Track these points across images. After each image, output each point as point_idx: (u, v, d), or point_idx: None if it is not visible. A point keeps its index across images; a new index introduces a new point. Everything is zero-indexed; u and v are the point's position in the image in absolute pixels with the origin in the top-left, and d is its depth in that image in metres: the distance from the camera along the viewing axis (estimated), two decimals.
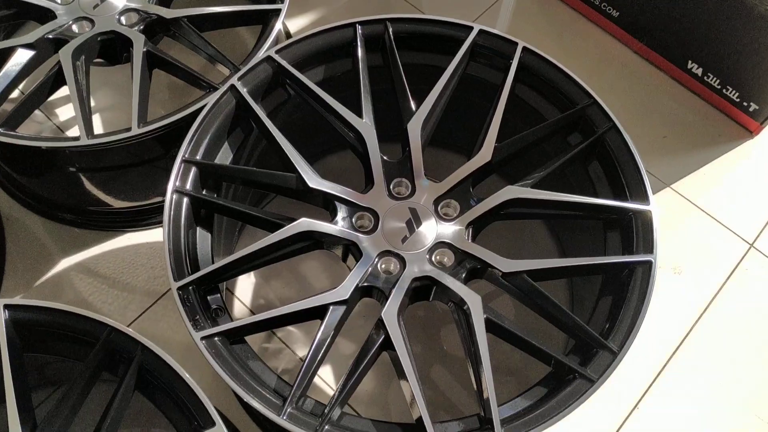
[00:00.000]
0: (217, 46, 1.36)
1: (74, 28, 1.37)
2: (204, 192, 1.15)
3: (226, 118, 1.17)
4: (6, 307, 0.96)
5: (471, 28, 1.25)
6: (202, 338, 0.99)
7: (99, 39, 1.35)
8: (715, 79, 1.63)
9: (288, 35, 1.68)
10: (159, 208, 1.50)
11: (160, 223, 1.42)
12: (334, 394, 0.99)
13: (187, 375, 0.93)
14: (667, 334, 1.41)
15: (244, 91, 1.18)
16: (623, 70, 1.73)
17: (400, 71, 1.22)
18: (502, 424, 0.96)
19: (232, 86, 1.18)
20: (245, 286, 1.43)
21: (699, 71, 1.64)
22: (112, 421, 0.91)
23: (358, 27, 1.24)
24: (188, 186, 1.12)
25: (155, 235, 1.51)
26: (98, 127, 1.61)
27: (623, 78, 1.72)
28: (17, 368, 0.93)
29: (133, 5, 1.39)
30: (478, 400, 1.01)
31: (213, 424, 0.90)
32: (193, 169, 1.13)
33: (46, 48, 1.34)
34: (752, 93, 1.58)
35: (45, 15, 1.38)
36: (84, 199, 1.50)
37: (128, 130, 1.22)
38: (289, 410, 0.96)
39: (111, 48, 1.37)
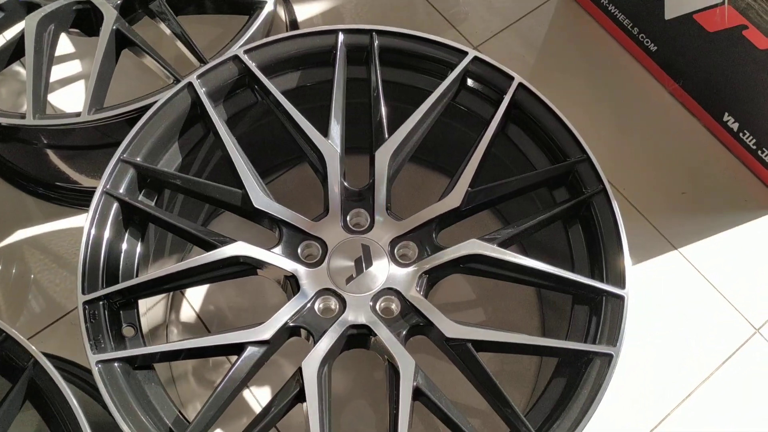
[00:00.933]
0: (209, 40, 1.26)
1: None
2: (140, 197, 1.05)
3: (178, 119, 1.07)
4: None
5: (465, 54, 1.12)
6: (98, 362, 0.91)
7: (74, 8, 1.26)
8: (751, 137, 1.43)
9: (294, 24, 1.56)
10: None
11: None
12: None
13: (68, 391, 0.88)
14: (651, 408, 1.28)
15: (201, 90, 1.07)
16: (653, 110, 1.54)
17: (379, 90, 1.10)
18: None
19: (190, 84, 1.07)
20: (197, 288, 1.33)
21: (735, 126, 1.45)
22: None
23: (341, 35, 1.11)
24: (122, 189, 1.02)
25: None
26: (64, 103, 1.52)
27: (652, 118, 1.54)
28: None
29: None
30: None
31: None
32: (131, 171, 1.03)
33: (16, 11, 1.26)
34: None
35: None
36: (51, 174, 1.41)
37: (78, 114, 1.14)
38: None
39: (87, 19, 1.27)
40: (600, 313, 0.98)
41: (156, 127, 1.05)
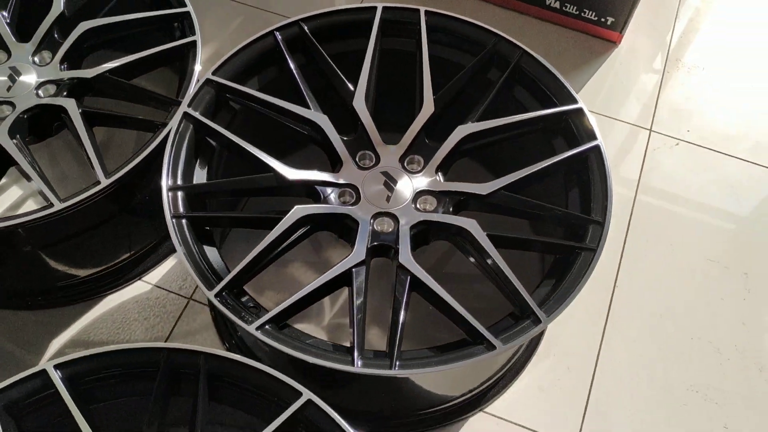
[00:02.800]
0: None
1: None
2: (194, 212, 1.17)
3: (189, 144, 1.20)
4: (56, 367, 0.95)
5: (375, 8, 1.32)
6: (257, 328, 1.03)
7: (25, 117, 1.30)
8: (572, 6, 1.82)
9: None
10: (133, 262, 1.50)
11: (137, 277, 1.47)
12: (392, 342, 1.04)
13: (254, 362, 0.96)
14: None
15: (197, 114, 1.21)
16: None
17: (327, 61, 1.28)
18: (540, 307, 1.05)
19: (186, 113, 1.20)
20: None
21: (557, 4, 1.84)
22: None
23: (277, 33, 1.29)
24: (181, 209, 1.14)
25: (137, 288, 1.50)
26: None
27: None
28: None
29: (44, 78, 1.34)
30: (511, 301, 1.10)
31: (300, 394, 0.93)
32: (180, 194, 1.16)
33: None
34: (606, 9, 1.79)
35: None
36: (51, 277, 1.46)
37: (97, 183, 1.20)
38: (360, 361, 1.01)
39: (38, 123, 1.33)
40: (572, 129, 1.22)
41: (178, 155, 1.19)
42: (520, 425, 1.36)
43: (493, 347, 1.02)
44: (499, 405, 1.37)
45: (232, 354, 0.98)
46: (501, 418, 1.36)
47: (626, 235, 1.59)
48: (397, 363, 1.02)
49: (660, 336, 1.49)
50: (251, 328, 1.03)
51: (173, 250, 1.63)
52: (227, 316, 1.04)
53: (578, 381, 1.42)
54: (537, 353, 1.44)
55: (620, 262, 1.56)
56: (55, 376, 0.96)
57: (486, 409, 1.36)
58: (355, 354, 1.02)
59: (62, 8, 1.41)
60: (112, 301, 1.48)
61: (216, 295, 1.05)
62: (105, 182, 1.21)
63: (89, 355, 0.98)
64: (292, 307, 1.07)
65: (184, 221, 1.13)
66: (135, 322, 1.46)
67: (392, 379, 1.13)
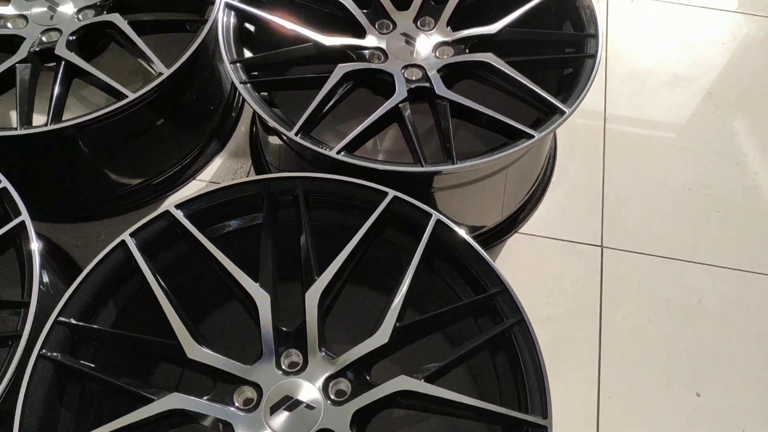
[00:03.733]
0: None
1: (44, 39, 1.42)
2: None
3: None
4: (177, 207, 1.12)
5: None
6: (337, 152, 1.20)
7: (74, 38, 1.43)
8: None
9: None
10: (185, 165, 1.61)
11: (191, 177, 1.62)
12: (447, 150, 1.22)
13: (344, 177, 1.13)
14: None
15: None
16: None
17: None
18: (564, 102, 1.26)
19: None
20: None
21: None
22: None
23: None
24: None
25: (192, 188, 1.60)
26: None
27: None
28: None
29: (82, 4, 1.48)
30: (537, 108, 1.32)
31: (386, 193, 1.11)
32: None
33: (36, 59, 1.40)
34: None
35: (11, 42, 1.41)
36: (113, 186, 1.54)
37: (160, 75, 1.33)
38: (425, 162, 1.20)
39: (85, 44, 1.45)
40: None
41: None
42: (549, 237, 1.60)
43: (531, 136, 1.22)
44: (529, 225, 1.60)
45: (323, 174, 1.15)
46: (533, 235, 1.61)
47: None
48: (456, 161, 1.20)
49: (654, 148, 1.74)
50: (332, 153, 1.18)
51: (219, 150, 1.65)
52: (310, 148, 1.19)
53: (591, 195, 1.66)
54: (552, 182, 1.62)
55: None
56: (179, 214, 1.11)
57: (520, 231, 1.59)
58: (420, 159, 1.20)
59: None
60: (172, 201, 1.57)
61: (296, 133, 1.21)
62: (167, 72, 1.33)
63: (203, 194, 1.13)
64: (358, 137, 1.23)
65: (249, 85, 1.29)
66: None
67: (443, 201, 1.31)
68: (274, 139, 1.50)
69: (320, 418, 1.01)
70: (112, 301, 1.11)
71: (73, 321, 1.04)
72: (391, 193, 1.12)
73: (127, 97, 1.30)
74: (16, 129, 1.27)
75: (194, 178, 1.63)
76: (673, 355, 1.44)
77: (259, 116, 1.25)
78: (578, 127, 1.76)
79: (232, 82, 1.66)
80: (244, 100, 1.73)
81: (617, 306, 1.49)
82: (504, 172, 1.38)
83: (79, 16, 1.46)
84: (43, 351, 1.01)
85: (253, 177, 1.15)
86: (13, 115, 1.46)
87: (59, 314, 1.03)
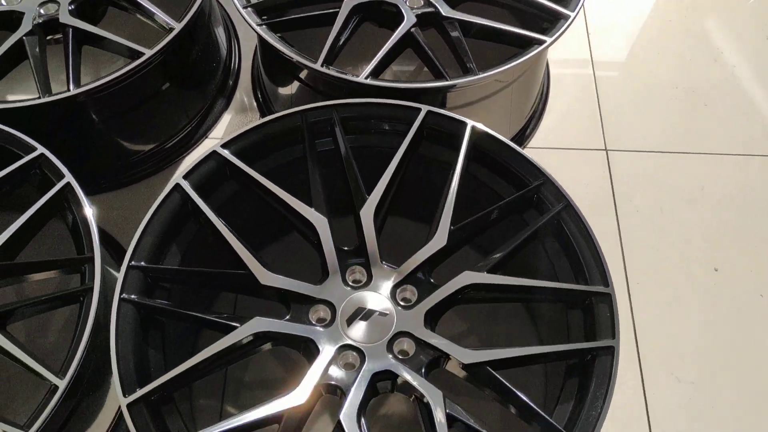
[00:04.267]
0: None
1: (42, 11, 1.40)
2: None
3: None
4: (223, 146, 1.13)
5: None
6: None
7: (73, 6, 1.41)
8: None
9: None
10: (195, 126, 1.61)
11: (203, 137, 1.63)
12: None
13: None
14: None
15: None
16: None
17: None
18: None
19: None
20: None
21: None
22: None
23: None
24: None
25: (206, 146, 1.59)
26: None
27: None
28: None
29: None
30: None
31: (419, 109, 1.15)
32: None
33: (41, 31, 1.39)
34: None
35: (11, 18, 1.40)
36: (126, 153, 1.53)
37: (171, 30, 1.33)
38: None
39: (85, 12, 1.43)
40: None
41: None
42: (556, 148, 1.65)
43: (543, 41, 1.26)
44: (535, 140, 1.65)
45: (353, 99, 1.17)
46: (541, 148, 1.65)
47: None
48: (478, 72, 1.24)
49: (638, 54, 1.81)
50: (360, 78, 1.18)
51: (225, 107, 1.66)
52: (337, 76, 1.21)
53: (588, 104, 1.71)
54: (550, 97, 1.71)
55: None
56: (225, 153, 1.13)
57: (528, 146, 1.65)
58: (444, 74, 1.21)
59: None
60: (188, 163, 1.44)
61: (321, 65, 1.18)
62: (179, 26, 1.34)
63: (245, 131, 1.15)
64: (379, 63, 1.22)
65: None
66: None
67: None
68: (284, 84, 1.52)
69: (395, 323, 1.06)
70: (175, 244, 1.13)
71: (143, 264, 1.06)
72: (424, 108, 1.16)
73: (144, 54, 1.31)
74: (39, 98, 1.26)
75: (206, 137, 1.63)
76: (687, 237, 1.53)
77: (283, 53, 1.27)
78: (564, 39, 1.81)
79: (228, 40, 1.69)
80: (240, 58, 1.74)
81: (630, 201, 1.57)
82: (511, 87, 1.44)
83: None
84: (124, 295, 1.03)
85: (291, 109, 1.18)
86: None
87: (131, 259, 1.05)
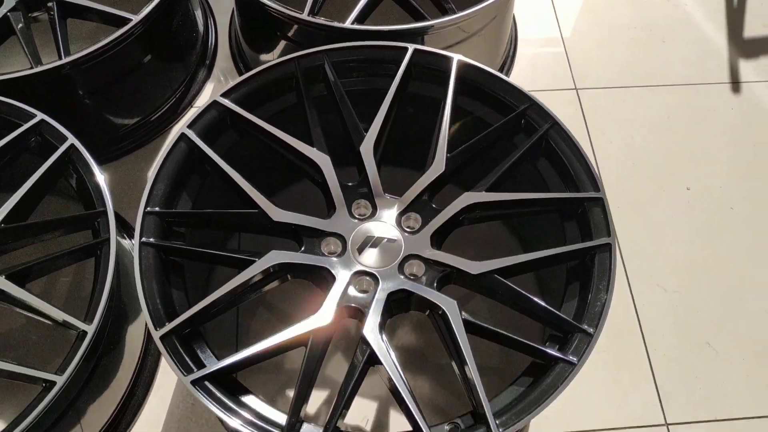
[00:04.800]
0: None
1: None
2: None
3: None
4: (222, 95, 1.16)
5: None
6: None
7: None
8: None
9: None
10: (180, 96, 1.64)
11: (189, 106, 1.65)
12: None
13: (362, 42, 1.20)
14: None
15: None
16: None
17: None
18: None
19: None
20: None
21: None
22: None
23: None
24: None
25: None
26: None
27: None
28: None
29: None
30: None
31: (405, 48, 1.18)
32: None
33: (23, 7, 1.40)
34: None
35: None
36: (114, 127, 1.55)
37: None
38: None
39: None
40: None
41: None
42: (530, 90, 1.53)
43: None
44: None
45: (342, 44, 1.20)
46: None
47: None
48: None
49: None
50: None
51: (208, 76, 1.69)
52: (324, 24, 1.22)
53: (555, 49, 1.82)
54: (518, 46, 1.80)
55: None
56: (226, 102, 1.16)
57: None
58: (424, 15, 1.22)
59: None
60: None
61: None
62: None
63: (242, 80, 1.18)
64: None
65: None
66: None
67: None
68: (266, 45, 1.56)
69: (403, 247, 1.10)
70: (185, 192, 1.15)
71: (158, 209, 1.09)
72: (411, 46, 1.20)
73: (131, 20, 1.33)
74: (31, 68, 1.28)
75: (192, 106, 1.66)
76: (659, 162, 1.62)
77: (268, 6, 1.30)
78: None
79: (204, 14, 1.71)
80: (217, 30, 1.77)
81: (602, 133, 1.65)
82: (484, 31, 1.49)
83: None
84: (143, 239, 1.06)
85: (285, 57, 1.21)
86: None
87: (146, 206, 1.08)
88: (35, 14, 1.42)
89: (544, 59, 1.79)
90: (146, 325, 1.32)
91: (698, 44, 1.82)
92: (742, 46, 1.82)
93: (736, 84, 1.75)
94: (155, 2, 1.35)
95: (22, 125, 1.18)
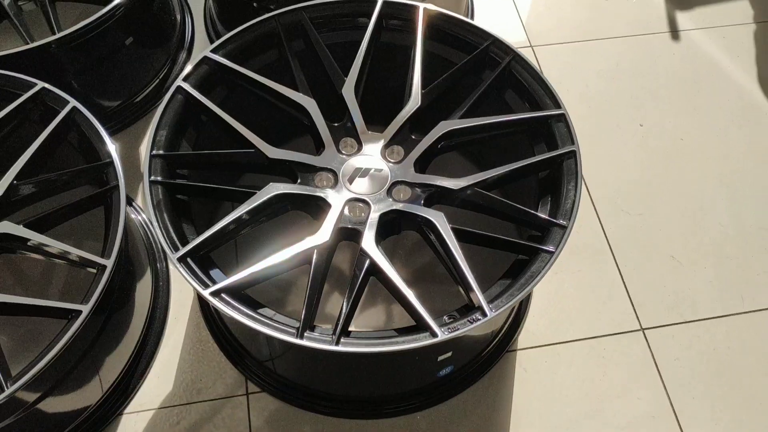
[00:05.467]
0: None
1: None
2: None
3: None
4: (212, 51, 1.22)
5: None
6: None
7: None
8: None
9: None
10: (163, 78, 1.72)
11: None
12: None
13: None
14: None
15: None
16: None
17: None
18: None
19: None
20: None
21: None
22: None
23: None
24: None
25: None
26: None
27: None
28: None
29: None
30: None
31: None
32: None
33: None
34: None
35: None
36: (100, 108, 1.60)
37: None
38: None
39: None
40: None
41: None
42: None
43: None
44: None
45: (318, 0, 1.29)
46: None
47: None
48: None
49: None
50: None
51: (188, 58, 1.78)
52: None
53: (507, 8, 1.67)
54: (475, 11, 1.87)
55: None
56: (215, 57, 1.24)
57: None
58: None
59: None
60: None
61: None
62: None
63: (230, 36, 1.27)
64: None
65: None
66: None
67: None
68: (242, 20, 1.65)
69: (389, 175, 1.20)
70: (184, 140, 1.23)
71: (162, 152, 1.17)
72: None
73: None
74: (27, 44, 1.35)
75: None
76: (612, 104, 1.74)
77: None
78: None
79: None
80: (192, 15, 1.85)
81: (559, 84, 1.75)
82: None
83: None
84: (152, 178, 1.13)
85: (265, 15, 1.29)
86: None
87: (151, 150, 1.16)
88: (22, 2, 1.49)
89: (500, 19, 1.92)
90: (152, 280, 1.41)
91: (637, 1, 1.97)
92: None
93: (675, 32, 1.90)
94: None
95: (23, 94, 1.25)
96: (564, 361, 1.38)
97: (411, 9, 1.30)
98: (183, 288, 1.44)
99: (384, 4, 1.30)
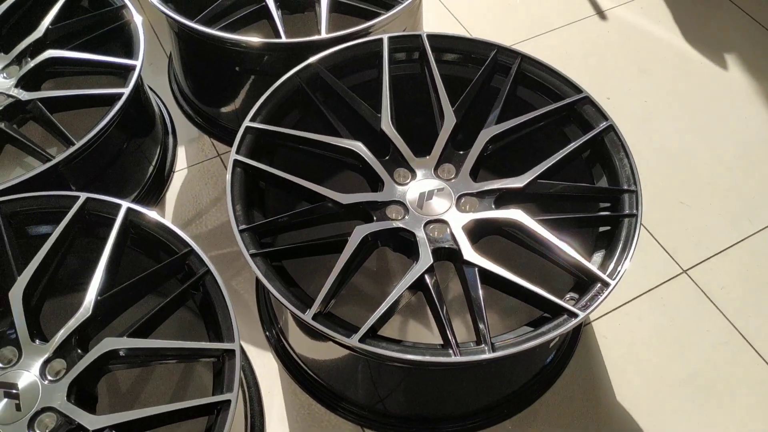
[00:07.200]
0: None
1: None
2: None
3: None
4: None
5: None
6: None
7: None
8: None
9: None
10: (160, 168, 1.67)
11: (171, 173, 1.69)
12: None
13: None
14: None
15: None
16: None
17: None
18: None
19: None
20: None
21: None
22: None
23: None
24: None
25: (181, 176, 1.68)
26: None
27: None
28: None
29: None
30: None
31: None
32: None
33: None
34: None
35: None
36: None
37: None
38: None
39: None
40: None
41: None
42: None
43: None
44: None
45: (328, 51, 1.34)
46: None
47: None
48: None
49: None
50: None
51: (176, 142, 1.73)
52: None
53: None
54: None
55: None
56: (256, 125, 1.25)
57: None
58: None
59: None
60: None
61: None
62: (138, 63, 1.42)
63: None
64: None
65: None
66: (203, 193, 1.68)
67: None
68: (212, 94, 1.64)
69: (452, 190, 1.24)
70: (254, 209, 1.21)
71: (245, 225, 1.14)
72: (385, 36, 1.35)
73: (123, 93, 1.36)
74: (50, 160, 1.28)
75: (173, 172, 1.69)
76: (586, 68, 1.90)
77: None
78: None
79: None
80: (165, 104, 1.81)
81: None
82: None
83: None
84: (251, 251, 1.11)
85: (286, 75, 1.31)
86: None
87: (237, 225, 1.14)
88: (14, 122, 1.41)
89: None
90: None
91: None
92: None
93: (601, 14, 2.06)
94: (134, 76, 1.40)
95: (70, 208, 1.18)
96: (633, 318, 1.45)
97: (415, 38, 1.37)
98: (266, 363, 1.40)
99: (390, 39, 1.35)
